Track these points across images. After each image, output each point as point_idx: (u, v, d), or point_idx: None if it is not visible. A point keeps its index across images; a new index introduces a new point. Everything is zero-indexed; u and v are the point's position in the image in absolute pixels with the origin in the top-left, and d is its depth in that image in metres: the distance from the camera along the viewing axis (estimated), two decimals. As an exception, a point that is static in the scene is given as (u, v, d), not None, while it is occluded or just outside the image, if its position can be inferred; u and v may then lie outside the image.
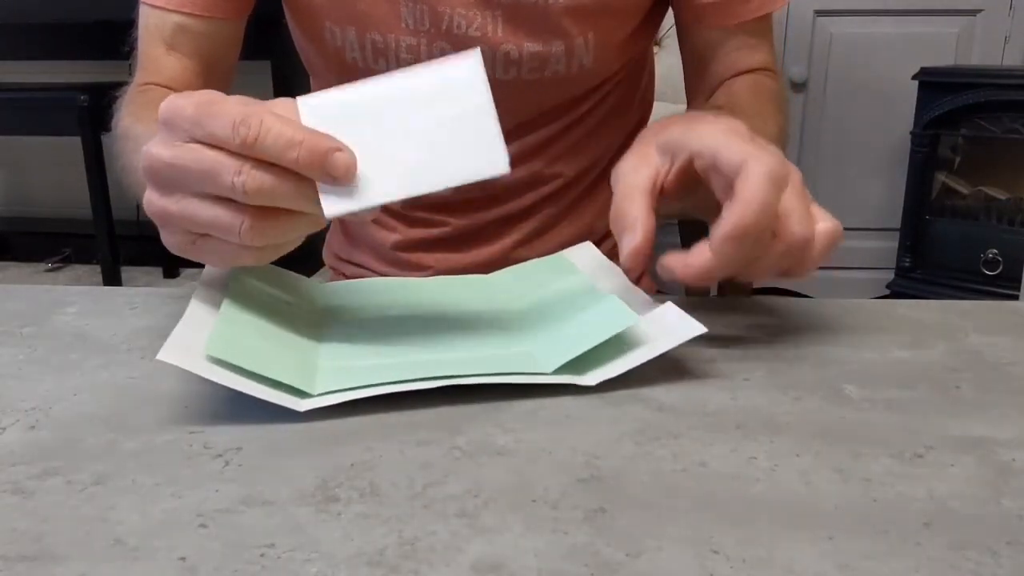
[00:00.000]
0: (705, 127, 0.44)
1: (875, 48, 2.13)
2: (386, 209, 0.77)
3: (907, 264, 2.08)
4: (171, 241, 0.41)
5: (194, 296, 0.45)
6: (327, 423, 0.38)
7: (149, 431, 0.38)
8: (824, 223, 0.43)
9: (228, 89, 0.60)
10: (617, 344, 0.43)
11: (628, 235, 0.43)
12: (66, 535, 0.30)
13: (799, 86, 2.18)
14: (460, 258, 0.76)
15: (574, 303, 0.47)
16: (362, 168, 0.39)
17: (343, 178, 0.37)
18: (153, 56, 0.66)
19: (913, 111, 2.02)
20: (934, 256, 2.04)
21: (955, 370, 0.45)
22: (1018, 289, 1.74)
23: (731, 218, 0.39)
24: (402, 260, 0.78)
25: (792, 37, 2.15)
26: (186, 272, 2.56)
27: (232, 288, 0.46)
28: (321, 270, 0.92)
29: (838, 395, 0.41)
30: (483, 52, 0.65)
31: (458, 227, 0.75)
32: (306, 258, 1.03)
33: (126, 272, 2.38)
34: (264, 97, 0.40)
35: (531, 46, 0.65)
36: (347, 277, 0.83)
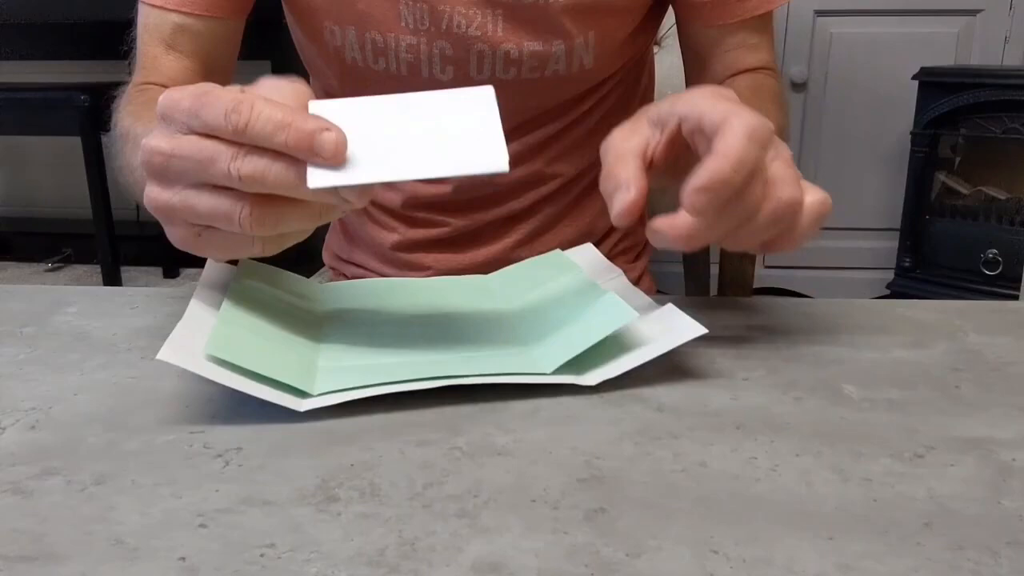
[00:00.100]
0: (693, 93, 0.43)
1: (875, 48, 2.13)
2: (386, 209, 0.77)
3: (907, 264, 2.08)
4: (175, 234, 0.41)
5: (194, 296, 0.45)
6: (327, 423, 0.38)
7: (149, 431, 0.38)
8: (813, 194, 0.42)
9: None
10: (617, 344, 0.43)
11: (621, 192, 0.42)
12: (66, 535, 0.30)
13: (799, 86, 2.18)
14: (460, 258, 0.76)
15: (573, 301, 0.47)
16: (355, 151, 0.38)
17: (331, 158, 0.37)
18: (152, 55, 0.66)
19: (913, 111, 2.02)
20: (934, 256, 2.04)
21: (955, 370, 0.45)
22: (1018, 289, 1.74)
23: (704, 170, 0.39)
24: (402, 260, 0.78)
25: (792, 37, 2.15)
26: (186, 272, 2.56)
27: (232, 288, 0.46)
28: (321, 270, 0.92)
29: (838, 395, 0.41)
30: (483, 51, 0.66)
31: (458, 227, 0.75)
32: (306, 258, 1.03)
33: (126, 272, 2.38)
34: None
35: (531, 45, 0.65)
36: (347, 277, 0.83)
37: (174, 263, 2.54)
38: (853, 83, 2.16)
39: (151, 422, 0.38)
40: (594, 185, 0.77)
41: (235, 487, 0.33)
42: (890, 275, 2.14)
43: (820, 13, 2.14)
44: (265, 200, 0.38)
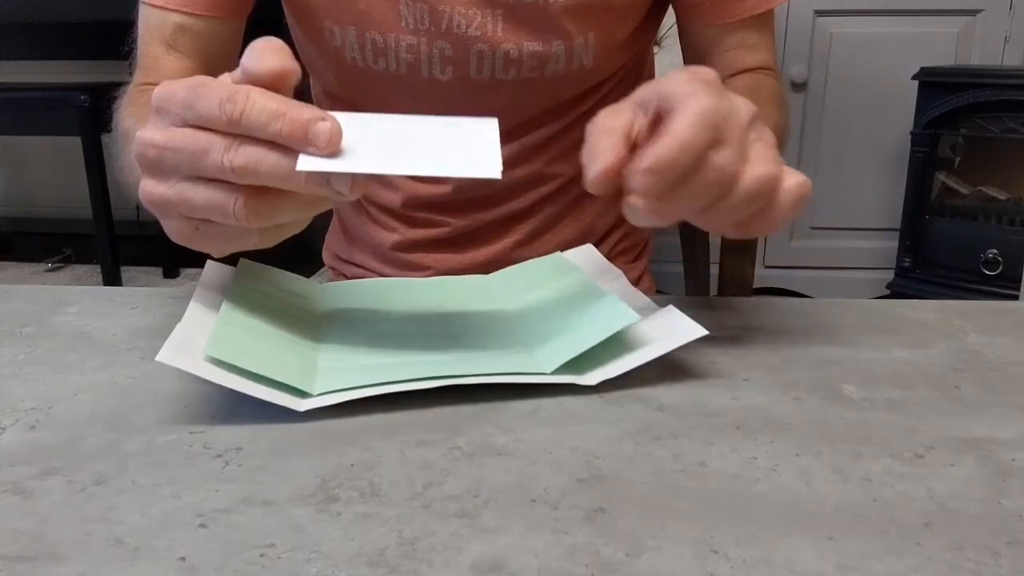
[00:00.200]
0: (672, 75, 0.42)
1: (875, 48, 2.13)
2: (386, 209, 0.77)
3: (907, 264, 2.08)
4: (172, 228, 0.41)
5: (194, 297, 0.45)
6: (327, 423, 0.38)
7: (149, 431, 0.38)
8: (792, 176, 0.41)
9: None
10: (617, 344, 0.43)
11: (600, 158, 0.40)
12: (66, 535, 0.30)
13: (799, 86, 2.18)
14: (460, 258, 0.76)
15: (574, 302, 0.47)
16: (350, 143, 0.38)
17: (325, 147, 0.37)
18: (153, 56, 0.66)
19: (913, 111, 2.02)
20: (934, 256, 2.04)
21: (955, 370, 0.45)
22: (1018, 289, 1.74)
23: (650, 152, 0.38)
24: (402, 260, 0.78)
25: (792, 37, 2.15)
26: (186, 272, 2.56)
27: (232, 289, 0.46)
28: (321, 270, 0.92)
29: (838, 395, 0.41)
30: (483, 51, 0.66)
31: (458, 227, 0.75)
32: (306, 258, 1.03)
33: (126, 272, 2.38)
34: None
35: (531, 46, 0.65)
36: (347, 277, 0.83)
37: (174, 263, 2.54)
38: (853, 83, 2.16)
39: (151, 422, 0.38)
40: (594, 185, 0.77)
41: (235, 487, 0.33)
42: (890, 275, 2.14)
43: (820, 13, 2.14)
44: (259, 192, 0.38)
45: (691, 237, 1.43)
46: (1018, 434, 0.38)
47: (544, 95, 0.70)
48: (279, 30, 0.75)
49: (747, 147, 0.40)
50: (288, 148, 0.37)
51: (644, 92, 0.42)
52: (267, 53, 0.39)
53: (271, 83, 0.39)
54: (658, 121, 0.42)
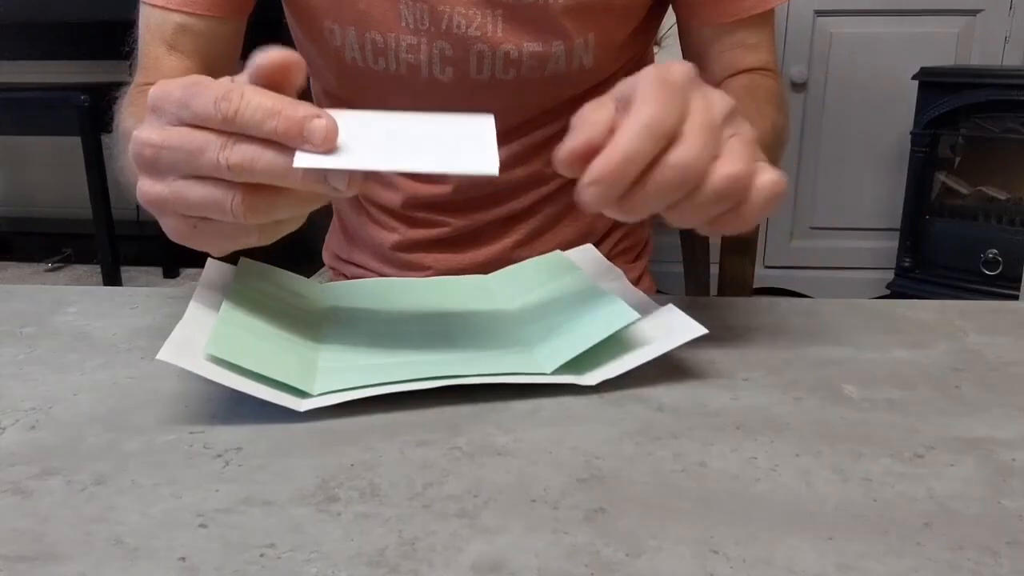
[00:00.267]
0: (644, 72, 0.41)
1: (875, 48, 2.13)
2: (386, 209, 0.77)
3: (907, 264, 2.08)
4: (170, 227, 0.41)
5: (194, 296, 0.45)
6: (327, 423, 0.38)
7: (149, 431, 0.38)
8: (766, 174, 0.40)
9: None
10: (617, 344, 0.43)
11: (577, 136, 0.40)
12: (66, 535, 0.30)
13: (799, 86, 2.18)
14: (460, 258, 0.76)
15: (574, 302, 0.47)
16: (347, 140, 0.38)
17: (321, 144, 0.37)
18: (154, 56, 0.66)
19: (913, 111, 2.02)
20: (934, 256, 2.04)
21: (955, 370, 0.45)
22: (1018, 289, 1.74)
23: (595, 164, 0.38)
24: (402, 260, 0.78)
25: (792, 37, 2.15)
26: (186, 272, 2.56)
27: (232, 288, 0.46)
28: (321, 270, 0.92)
29: (838, 395, 0.41)
30: (482, 51, 0.66)
31: (458, 227, 0.75)
32: (306, 258, 1.03)
33: (126, 272, 2.38)
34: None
35: (531, 46, 0.65)
36: (347, 277, 0.83)
37: (174, 263, 2.54)
38: (853, 83, 2.16)
39: (151, 422, 0.38)
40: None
41: (235, 487, 0.33)
42: (890, 275, 2.14)
43: (820, 13, 2.14)
44: (256, 188, 0.38)
45: (691, 237, 1.43)
46: (1018, 434, 0.38)
47: (544, 95, 0.70)
48: (279, 30, 0.75)
49: (719, 143, 0.39)
50: (284, 145, 0.37)
51: (624, 87, 0.42)
52: (274, 50, 0.39)
53: (279, 75, 0.39)
54: None
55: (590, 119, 0.40)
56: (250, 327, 0.43)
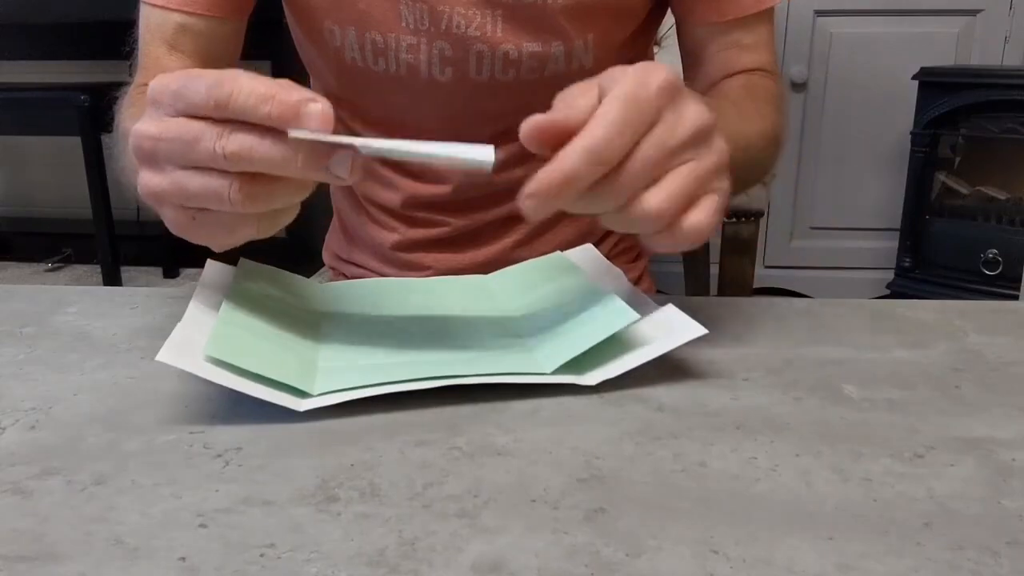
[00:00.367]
0: (618, 77, 0.41)
1: (875, 48, 2.13)
2: (386, 209, 0.77)
3: (907, 264, 2.08)
4: (170, 218, 0.41)
5: (194, 297, 0.45)
6: (327, 423, 0.38)
7: (149, 431, 0.38)
8: (696, 215, 0.40)
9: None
10: (617, 344, 0.43)
11: (550, 114, 0.40)
12: (66, 535, 0.30)
13: (799, 86, 2.18)
14: (460, 258, 0.76)
15: (574, 302, 0.47)
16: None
17: (319, 127, 0.37)
18: (154, 56, 0.66)
19: (913, 111, 2.02)
20: (934, 256, 2.04)
21: (955, 370, 0.45)
22: (1018, 289, 1.74)
23: (535, 179, 0.38)
24: (402, 260, 0.78)
25: (792, 37, 2.15)
26: (186, 272, 2.56)
27: (232, 289, 0.46)
28: (321, 270, 0.92)
29: (838, 395, 0.42)
30: (482, 52, 0.66)
31: (458, 227, 0.75)
32: (306, 258, 1.03)
33: (126, 272, 2.38)
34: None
35: (530, 46, 0.65)
36: (347, 277, 0.83)
37: (174, 263, 2.54)
38: (853, 83, 2.16)
39: (151, 422, 0.38)
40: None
41: (235, 487, 0.33)
42: (890, 275, 2.14)
43: (820, 13, 2.14)
44: (253, 176, 0.38)
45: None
46: (1018, 434, 0.38)
47: (543, 96, 0.69)
48: (279, 30, 0.75)
49: (667, 167, 0.39)
50: (281, 133, 0.37)
51: (610, 78, 0.41)
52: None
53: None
54: None
55: (572, 103, 0.40)
56: (250, 327, 0.43)
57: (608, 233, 0.80)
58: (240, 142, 0.37)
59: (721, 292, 1.29)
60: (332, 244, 0.87)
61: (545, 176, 0.38)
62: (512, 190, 0.79)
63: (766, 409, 0.40)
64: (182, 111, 0.38)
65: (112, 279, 2.21)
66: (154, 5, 0.65)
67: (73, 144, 2.17)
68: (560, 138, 0.39)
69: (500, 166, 0.39)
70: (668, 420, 0.39)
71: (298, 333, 0.45)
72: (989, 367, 0.45)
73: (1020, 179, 2.00)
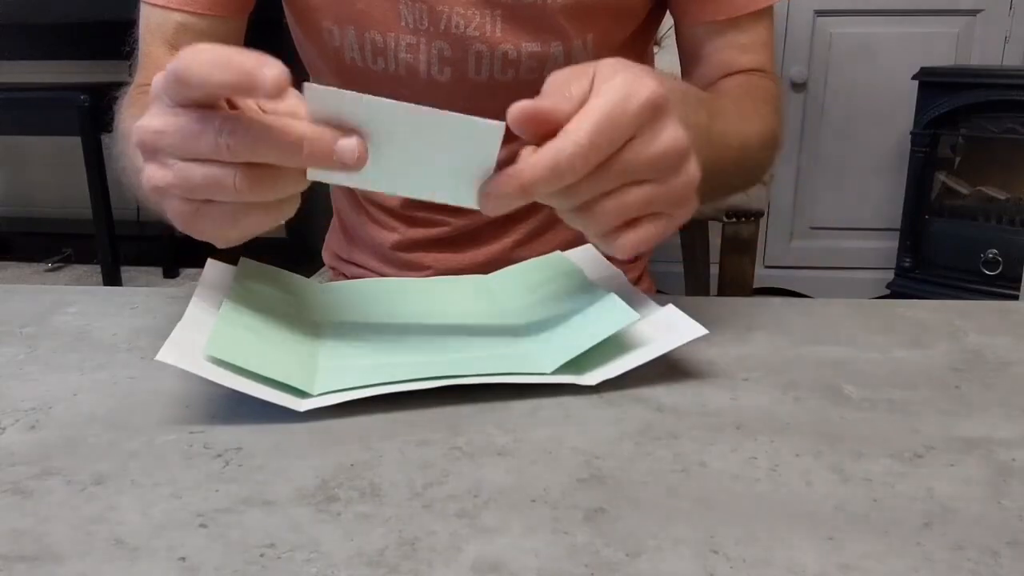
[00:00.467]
0: (614, 85, 0.40)
1: (875, 48, 2.13)
2: (386, 209, 0.77)
3: (907, 264, 2.08)
4: (174, 210, 0.41)
5: (194, 296, 0.45)
6: (327, 423, 0.38)
7: (149, 431, 0.38)
8: (631, 235, 0.42)
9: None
10: (617, 344, 0.43)
11: (540, 100, 0.40)
12: (66, 535, 0.30)
13: (799, 86, 2.18)
14: (460, 258, 0.76)
15: (574, 302, 0.47)
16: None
17: (271, 93, 0.36)
18: (155, 56, 0.66)
19: (913, 111, 2.02)
20: (934, 256, 2.04)
21: (955, 370, 0.45)
22: (1018, 289, 1.74)
23: (496, 180, 0.39)
24: (402, 260, 0.78)
25: (792, 37, 2.15)
26: (186, 272, 2.56)
27: (232, 289, 0.46)
28: (321, 270, 0.92)
29: (838, 395, 0.42)
30: (481, 52, 0.66)
31: (458, 227, 0.75)
32: (306, 258, 1.03)
33: (126, 272, 2.38)
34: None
35: (529, 46, 0.65)
36: (347, 277, 0.83)
37: (174, 263, 2.54)
38: (853, 83, 2.16)
39: (151, 422, 0.38)
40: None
41: (235, 487, 0.33)
42: (890, 275, 2.14)
43: (820, 13, 2.14)
44: (256, 164, 0.38)
45: (691, 237, 1.43)
46: (1018, 434, 0.38)
47: (544, 95, 0.70)
48: (279, 30, 0.75)
49: (626, 182, 0.40)
50: (285, 121, 0.37)
51: (601, 70, 0.41)
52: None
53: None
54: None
55: (563, 89, 0.41)
56: (250, 327, 0.43)
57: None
58: (243, 134, 0.37)
59: (721, 292, 1.29)
60: (332, 244, 0.87)
61: (505, 180, 0.39)
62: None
63: (766, 409, 0.40)
64: (171, 99, 0.39)
65: (112, 279, 2.21)
66: (154, 5, 0.65)
67: (73, 144, 2.17)
68: (544, 126, 0.39)
69: (500, 166, 0.39)
70: (668, 420, 0.39)
71: (298, 333, 0.45)
72: (989, 367, 0.45)
73: (1020, 179, 2.00)
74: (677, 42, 0.73)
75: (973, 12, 2.10)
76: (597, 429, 0.38)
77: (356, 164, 0.38)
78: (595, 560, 0.28)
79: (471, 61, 0.66)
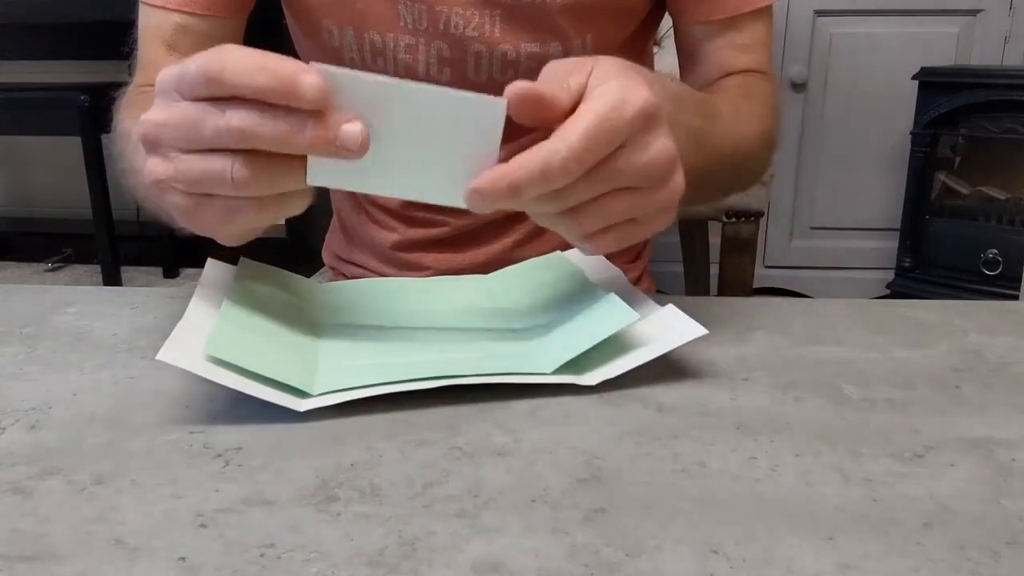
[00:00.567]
0: (607, 91, 0.40)
1: (875, 48, 2.13)
2: (386, 209, 0.77)
3: (907, 264, 2.08)
4: (174, 204, 0.41)
5: (194, 296, 0.45)
6: (327, 423, 0.38)
7: (149, 431, 0.38)
8: (602, 242, 0.42)
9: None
10: (617, 344, 0.43)
11: (540, 85, 0.40)
12: (66, 535, 0.30)
13: (799, 86, 2.17)
14: (460, 258, 0.76)
15: (574, 302, 0.47)
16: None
17: (314, 102, 0.37)
18: (154, 56, 0.66)
19: (913, 111, 2.02)
20: (934, 256, 2.04)
21: (955, 370, 0.45)
22: (1018, 289, 1.74)
23: (486, 177, 0.39)
24: (401, 260, 0.78)
25: (792, 37, 2.15)
26: (186, 272, 2.56)
27: (232, 288, 0.46)
28: (321, 270, 0.92)
29: (838, 395, 0.42)
30: (480, 52, 0.66)
31: (457, 227, 0.75)
32: (306, 258, 1.03)
33: (126, 272, 2.38)
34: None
35: (528, 47, 0.65)
36: (347, 277, 0.83)
37: (174, 263, 2.54)
38: (853, 83, 2.16)
39: (151, 422, 0.38)
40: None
41: (235, 487, 0.33)
42: (890, 275, 2.14)
43: (820, 13, 2.14)
44: (255, 156, 0.38)
45: (691, 237, 1.43)
46: (1018, 434, 0.38)
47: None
48: (279, 30, 0.75)
49: (609, 188, 0.40)
50: (286, 107, 0.37)
51: (599, 69, 0.41)
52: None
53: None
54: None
55: (562, 78, 0.41)
56: (250, 327, 0.43)
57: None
58: (245, 115, 0.37)
59: (721, 292, 1.29)
60: (332, 244, 0.87)
61: (493, 179, 0.39)
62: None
63: (766, 409, 0.40)
64: (185, 95, 0.39)
65: (112, 279, 2.21)
66: (153, 5, 0.65)
67: (73, 144, 2.17)
68: (540, 111, 0.40)
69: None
70: (668, 420, 0.39)
71: (298, 333, 0.45)
72: (989, 367, 0.45)
73: (1020, 179, 2.00)
74: (675, 42, 0.73)
75: (973, 12, 2.10)
76: (597, 429, 0.38)
77: (359, 150, 0.38)
78: (595, 560, 0.28)
79: (470, 61, 0.66)
